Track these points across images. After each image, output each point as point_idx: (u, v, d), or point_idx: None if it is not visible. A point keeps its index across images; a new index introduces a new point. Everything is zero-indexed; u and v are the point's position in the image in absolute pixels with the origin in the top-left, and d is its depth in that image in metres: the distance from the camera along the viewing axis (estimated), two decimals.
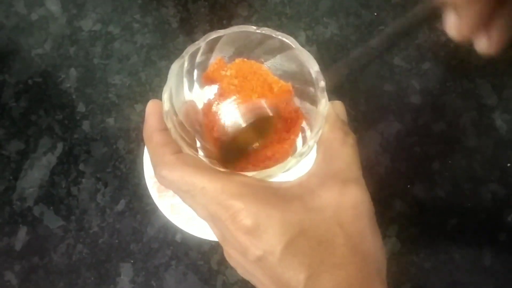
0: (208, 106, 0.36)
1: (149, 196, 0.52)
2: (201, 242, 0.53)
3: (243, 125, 0.34)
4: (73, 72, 0.60)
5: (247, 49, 0.35)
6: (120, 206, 0.55)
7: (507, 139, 0.57)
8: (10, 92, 0.59)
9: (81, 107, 0.58)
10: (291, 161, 0.31)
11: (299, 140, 0.34)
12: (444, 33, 0.33)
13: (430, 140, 0.57)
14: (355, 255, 0.27)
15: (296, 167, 0.31)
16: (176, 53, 0.60)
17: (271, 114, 0.34)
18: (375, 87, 0.59)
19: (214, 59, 0.35)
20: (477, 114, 0.58)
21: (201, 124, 0.35)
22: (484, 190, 0.55)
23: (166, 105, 0.31)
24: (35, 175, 0.56)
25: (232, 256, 0.29)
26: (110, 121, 0.58)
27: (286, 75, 0.35)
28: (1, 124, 0.58)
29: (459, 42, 0.30)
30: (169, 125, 0.31)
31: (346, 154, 0.30)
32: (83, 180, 0.56)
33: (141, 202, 0.55)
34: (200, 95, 0.35)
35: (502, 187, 0.55)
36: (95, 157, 0.57)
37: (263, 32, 0.33)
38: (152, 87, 0.59)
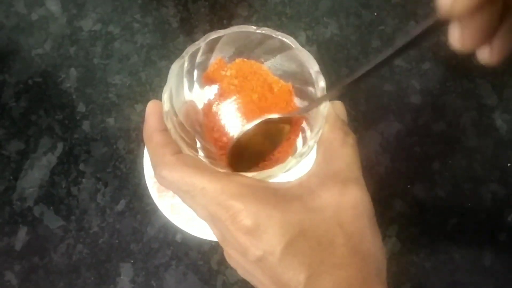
0: (208, 106, 0.36)
1: (149, 196, 0.52)
2: (201, 242, 0.53)
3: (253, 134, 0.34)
4: (73, 72, 0.60)
5: (247, 49, 0.35)
6: (120, 206, 0.55)
7: (507, 139, 0.57)
8: (10, 92, 0.59)
9: (81, 107, 0.58)
10: (291, 161, 0.31)
11: (299, 141, 0.34)
12: (444, 34, 0.33)
13: (430, 140, 0.57)
14: (355, 255, 0.27)
15: (296, 167, 0.31)
16: (176, 53, 0.60)
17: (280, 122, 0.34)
18: (375, 87, 0.59)
19: (214, 59, 0.35)
20: (477, 114, 0.58)
21: (201, 124, 0.35)
22: (484, 190, 0.55)
23: (166, 106, 0.31)
24: (35, 175, 0.56)
25: (232, 257, 0.29)
26: (110, 121, 0.58)
27: (286, 75, 0.35)
28: (1, 124, 0.58)
29: (463, 53, 0.31)
30: (169, 125, 0.31)
31: (346, 154, 0.30)
32: (83, 180, 0.56)
33: (141, 202, 0.55)
34: (200, 95, 0.35)
35: (502, 187, 0.55)
36: (95, 157, 0.57)
37: (263, 32, 0.33)
38: (152, 87, 0.59)
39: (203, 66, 0.35)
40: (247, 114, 0.35)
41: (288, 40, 0.33)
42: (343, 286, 0.26)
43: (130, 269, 0.53)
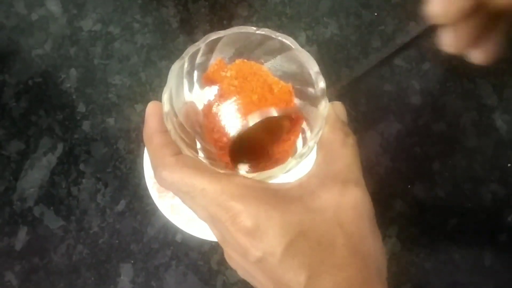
0: (208, 107, 0.36)
1: (149, 197, 0.52)
2: (201, 243, 0.53)
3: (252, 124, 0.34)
4: (73, 72, 0.60)
5: (247, 50, 0.35)
6: (120, 206, 0.55)
7: (507, 140, 0.57)
8: (10, 92, 0.59)
9: (81, 108, 0.58)
10: (291, 162, 0.31)
11: (299, 141, 0.34)
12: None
13: (430, 140, 0.57)
14: (355, 256, 0.27)
15: (296, 168, 0.31)
16: (176, 53, 0.60)
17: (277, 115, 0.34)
18: (375, 87, 0.59)
19: (214, 60, 0.35)
20: (477, 115, 0.58)
21: (201, 125, 0.35)
22: (484, 191, 0.55)
23: (166, 107, 0.31)
24: (35, 175, 0.56)
25: (233, 258, 0.29)
26: (111, 121, 0.58)
27: (286, 76, 0.35)
28: (1, 125, 0.58)
29: (454, 55, 0.32)
30: (169, 126, 0.31)
31: (346, 155, 0.30)
32: (83, 180, 0.56)
33: (141, 203, 0.55)
34: (200, 96, 0.35)
35: (502, 187, 0.55)
36: (95, 157, 0.57)
37: (263, 33, 0.33)
38: (152, 87, 0.59)
39: (203, 67, 0.35)
40: (247, 115, 0.35)
41: (288, 41, 0.33)
42: (344, 286, 0.26)
43: (130, 270, 0.53)
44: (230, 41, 0.34)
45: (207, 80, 0.35)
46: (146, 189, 0.52)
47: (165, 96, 0.31)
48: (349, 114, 0.34)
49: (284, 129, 0.35)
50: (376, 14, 0.61)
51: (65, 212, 0.55)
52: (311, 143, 0.31)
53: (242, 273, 0.30)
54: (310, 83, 0.33)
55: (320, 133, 0.31)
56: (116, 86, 0.59)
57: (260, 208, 0.27)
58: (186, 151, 0.31)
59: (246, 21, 0.61)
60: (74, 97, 0.59)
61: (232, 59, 0.35)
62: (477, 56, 0.31)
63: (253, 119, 0.33)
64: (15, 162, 0.57)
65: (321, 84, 0.32)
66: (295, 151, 0.33)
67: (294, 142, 0.34)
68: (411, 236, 0.54)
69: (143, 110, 0.32)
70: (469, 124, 0.57)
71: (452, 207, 0.55)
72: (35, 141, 0.57)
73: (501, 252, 0.54)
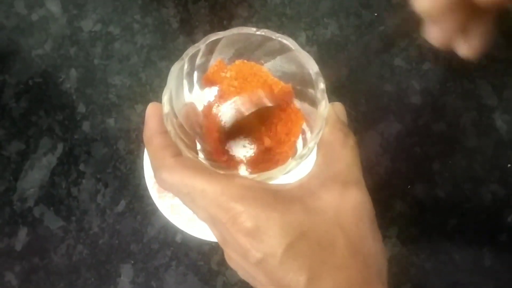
0: (208, 108, 0.36)
1: (149, 197, 0.52)
2: (201, 243, 0.53)
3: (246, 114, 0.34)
4: (73, 72, 0.60)
5: (247, 50, 0.35)
6: (120, 206, 0.55)
7: (507, 140, 0.57)
8: (10, 92, 0.59)
9: (81, 108, 0.58)
10: (291, 163, 0.31)
11: (299, 142, 0.34)
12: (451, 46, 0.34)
13: (430, 140, 0.57)
14: (356, 257, 0.27)
15: (296, 169, 0.31)
16: (176, 54, 0.60)
17: (270, 104, 0.34)
18: (375, 87, 0.59)
19: (214, 61, 0.35)
20: (477, 115, 0.58)
21: (201, 126, 0.35)
22: (484, 191, 0.55)
23: (166, 108, 0.31)
24: (35, 175, 0.56)
25: (233, 258, 0.29)
26: (111, 121, 0.58)
27: (286, 77, 0.35)
28: (1, 125, 0.58)
29: (440, 48, 0.32)
30: (169, 127, 0.31)
31: (347, 156, 0.30)
32: (83, 180, 0.56)
33: (141, 203, 0.55)
34: (200, 97, 0.35)
35: (502, 187, 0.55)
36: (95, 157, 0.57)
37: (263, 34, 0.33)
38: (152, 88, 0.59)
39: (203, 68, 0.35)
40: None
41: (288, 41, 0.33)
42: (344, 287, 0.26)
43: (130, 270, 0.53)
44: (230, 42, 0.34)
45: (207, 81, 0.35)
46: (146, 189, 0.52)
47: (165, 97, 0.31)
48: (349, 114, 0.34)
49: (275, 116, 0.35)
50: (376, 14, 0.61)
51: (65, 213, 0.55)
52: (311, 144, 0.31)
53: (242, 274, 0.30)
54: (310, 83, 0.33)
55: (321, 134, 0.31)
56: (116, 86, 0.59)
57: (260, 209, 0.27)
58: (186, 152, 0.31)
59: (246, 22, 0.61)
60: (74, 97, 0.59)
61: (232, 60, 0.35)
62: (464, 49, 0.31)
63: (243, 104, 0.33)
64: (15, 163, 0.57)
65: (321, 85, 0.32)
66: (295, 152, 0.34)
67: (294, 143, 0.34)
68: (411, 236, 0.54)
69: (143, 111, 0.32)
70: (469, 124, 0.57)
71: (452, 207, 0.55)
72: (35, 141, 0.57)
73: (501, 252, 0.54)
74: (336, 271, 0.26)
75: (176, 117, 0.32)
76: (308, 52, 0.33)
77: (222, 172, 0.30)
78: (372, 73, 0.59)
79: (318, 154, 0.32)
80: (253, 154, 0.35)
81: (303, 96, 0.35)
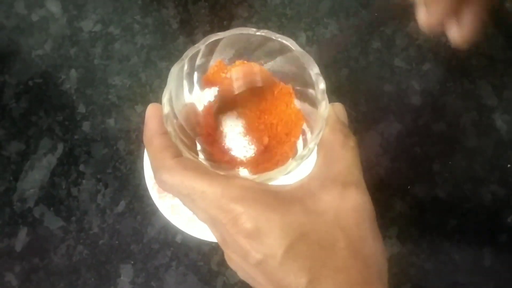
0: (208, 108, 0.36)
1: (149, 197, 0.52)
2: (201, 243, 0.53)
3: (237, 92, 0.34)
4: (73, 73, 0.60)
5: (247, 51, 0.35)
6: (121, 207, 0.55)
7: (507, 140, 0.57)
8: (10, 93, 0.59)
9: (81, 108, 0.58)
10: (291, 164, 0.31)
11: (299, 143, 0.34)
12: (444, 34, 0.34)
13: (430, 140, 0.57)
14: (356, 258, 0.27)
15: (296, 170, 0.31)
16: (176, 54, 0.60)
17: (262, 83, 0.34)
18: (375, 87, 0.59)
19: (214, 61, 0.35)
20: (477, 115, 0.58)
21: (201, 127, 0.35)
22: (484, 191, 0.55)
23: (165, 108, 0.31)
24: (35, 176, 0.56)
25: (233, 259, 0.29)
26: (111, 122, 0.58)
27: (286, 77, 0.35)
28: (1, 125, 0.58)
29: (432, 33, 0.32)
30: (169, 128, 0.31)
31: (347, 157, 0.30)
32: (84, 181, 0.56)
33: (141, 203, 0.55)
34: (200, 97, 0.36)
35: (502, 188, 0.55)
36: (95, 158, 0.57)
37: (263, 34, 0.33)
38: (152, 88, 0.59)
39: (203, 69, 0.35)
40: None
41: (288, 42, 0.33)
42: None
43: (130, 270, 0.53)
44: (230, 42, 0.34)
45: (207, 82, 0.35)
46: (146, 189, 0.52)
47: (165, 98, 0.31)
48: (349, 114, 0.34)
49: (267, 94, 0.35)
50: (376, 14, 0.61)
51: (65, 213, 0.55)
52: (311, 144, 0.31)
53: (242, 275, 0.30)
54: (310, 84, 0.33)
55: (321, 134, 0.31)
56: (116, 86, 0.59)
57: (261, 210, 0.27)
58: (186, 153, 0.31)
59: (246, 22, 0.61)
60: (74, 97, 0.59)
61: (232, 60, 0.35)
62: (455, 34, 0.32)
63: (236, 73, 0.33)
64: (15, 163, 0.57)
65: (321, 85, 0.32)
66: (296, 153, 0.33)
67: (295, 144, 0.34)
68: (411, 237, 0.54)
69: (143, 111, 0.32)
70: (469, 124, 0.57)
71: (452, 207, 0.55)
72: (35, 141, 0.57)
73: (501, 252, 0.54)
74: (336, 272, 0.26)
75: (176, 117, 0.32)
76: (308, 52, 0.33)
77: (222, 173, 0.29)
78: (372, 73, 0.59)
79: (318, 155, 0.31)
80: (253, 155, 0.35)
81: (303, 96, 0.35)
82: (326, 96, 0.32)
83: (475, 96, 0.58)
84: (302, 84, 0.34)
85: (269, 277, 0.27)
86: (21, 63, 0.60)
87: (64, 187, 0.56)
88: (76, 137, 0.57)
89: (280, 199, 0.28)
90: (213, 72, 0.35)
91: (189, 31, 0.61)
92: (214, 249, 0.53)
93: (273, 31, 0.33)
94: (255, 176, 0.31)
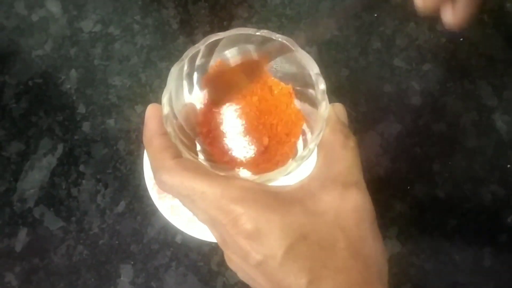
0: (208, 108, 0.36)
1: (149, 197, 0.52)
2: (201, 244, 0.53)
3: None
4: (73, 73, 0.60)
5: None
6: (120, 207, 0.55)
7: (507, 140, 0.57)
8: (10, 93, 0.59)
9: (81, 108, 0.58)
10: (292, 164, 0.30)
11: (299, 143, 0.34)
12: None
13: (430, 141, 0.57)
14: (357, 259, 0.27)
15: (297, 171, 0.31)
16: (176, 55, 0.60)
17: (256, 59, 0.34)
18: (375, 88, 0.59)
19: (214, 61, 0.35)
20: (477, 115, 0.58)
21: (201, 127, 0.35)
22: (484, 191, 0.55)
23: (165, 109, 0.31)
24: (35, 176, 0.56)
25: (233, 260, 0.29)
26: (111, 122, 0.58)
27: (286, 77, 0.35)
28: (1, 125, 0.58)
29: (427, 15, 0.32)
30: (169, 129, 0.31)
31: (347, 157, 0.30)
32: (83, 181, 0.56)
33: (141, 203, 0.55)
34: (200, 97, 0.35)
35: (502, 188, 0.55)
36: (95, 158, 0.57)
37: (263, 34, 0.33)
38: (152, 88, 0.59)
39: (203, 69, 0.35)
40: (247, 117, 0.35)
41: (288, 42, 0.33)
42: None
43: (130, 270, 0.53)
44: (230, 42, 0.34)
45: (207, 82, 0.35)
46: (146, 190, 0.52)
47: (164, 98, 0.31)
48: (349, 114, 0.34)
49: (262, 72, 0.35)
50: (376, 15, 0.61)
51: (65, 213, 0.55)
52: (311, 145, 0.31)
53: (242, 276, 0.30)
54: (311, 84, 0.33)
55: (321, 135, 0.31)
56: (116, 87, 0.59)
57: (261, 211, 0.27)
58: (186, 153, 0.31)
59: (246, 22, 0.61)
60: (74, 98, 0.59)
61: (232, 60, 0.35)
62: (449, 17, 0.31)
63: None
64: (15, 163, 0.57)
65: (322, 85, 0.32)
66: (296, 154, 0.33)
67: (295, 144, 0.34)
68: (411, 237, 0.54)
69: (143, 111, 0.32)
70: (469, 124, 0.57)
71: (452, 207, 0.55)
72: (35, 142, 0.57)
73: (501, 252, 0.54)
74: (336, 273, 0.26)
75: (176, 118, 0.32)
76: (308, 52, 0.33)
77: (222, 173, 0.29)
78: (372, 74, 0.59)
79: (318, 155, 0.31)
80: (253, 155, 0.35)
81: (303, 96, 0.35)
82: (326, 96, 0.32)
83: (475, 97, 0.58)
84: (302, 84, 0.34)
85: (269, 278, 0.27)
86: (21, 64, 0.60)
87: (64, 187, 0.56)
88: (76, 137, 0.57)
89: (280, 200, 0.28)
90: (213, 72, 0.35)
91: (189, 31, 0.61)
92: (214, 249, 0.53)
93: (273, 31, 0.33)
94: (255, 177, 0.31)
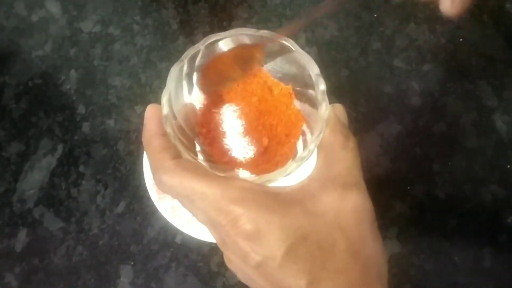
0: (208, 108, 0.36)
1: (149, 198, 0.52)
2: (201, 244, 0.53)
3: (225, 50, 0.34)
4: (73, 73, 0.60)
5: None
6: (120, 207, 0.55)
7: (507, 141, 0.57)
8: (10, 93, 0.59)
9: (81, 109, 0.58)
10: (291, 165, 0.30)
11: (299, 144, 0.34)
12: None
13: (430, 141, 0.57)
14: (356, 260, 0.27)
15: (296, 171, 0.31)
16: (176, 55, 0.60)
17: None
18: (375, 88, 0.59)
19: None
20: (477, 115, 0.58)
21: (201, 127, 0.35)
22: (484, 191, 0.55)
23: (165, 109, 0.31)
24: (35, 177, 0.56)
25: (232, 261, 0.29)
26: (110, 122, 0.58)
27: (286, 78, 0.35)
28: (1, 126, 0.58)
29: (426, 2, 0.32)
30: (168, 129, 0.31)
31: (347, 158, 0.30)
32: (83, 182, 0.56)
33: (141, 204, 0.55)
34: (199, 98, 0.35)
35: (502, 188, 0.55)
36: (95, 158, 0.57)
37: (263, 34, 0.33)
38: (152, 89, 0.59)
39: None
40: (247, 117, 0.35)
41: (288, 43, 0.33)
42: None
43: (130, 271, 0.53)
44: (230, 43, 0.34)
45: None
46: (146, 190, 0.52)
47: (164, 99, 0.31)
48: (349, 115, 0.34)
49: (255, 60, 0.35)
50: (376, 15, 0.61)
51: (65, 214, 0.55)
52: (311, 146, 0.31)
53: (241, 277, 0.30)
54: (311, 85, 0.32)
55: (321, 136, 0.31)
56: (116, 87, 0.59)
57: (260, 211, 0.27)
58: (186, 154, 0.31)
59: (246, 23, 0.61)
60: (74, 98, 0.59)
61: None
62: (447, 4, 0.31)
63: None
64: (15, 164, 0.57)
65: (322, 86, 0.32)
66: (296, 154, 0.33)
67: (294, 145, 0.34)
68: (411, 237, 0.54)
69: (143, 112, 0.32)
70: (469, 125, 0.57)
71: (452, 208, 0.55)
72: (35, 142, 0.57)
73: (501, 253, 0.54)
74: (336, 274, 0.26)
75: (175, 118, 0.32)
76: (307, 53, 0.33)
77: (221, 174, 0.29)
78: (372, 74, 0.59)
79: (318, 156, 0.31)
80: (252, 156, 0.35)
81: (303, 97, 0.34)
82: (326, 97, 0.32)
83: (475, 97, 0.58)
84: (302, 85, 0.34)
85: (269, 279, 0.27)
86: (21, 64, 0.60)
87: (63, 188, 0.56)
88: (76, 137, 0.57)
89: (280, 201, 0.28)
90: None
91: (189, 31, 0.61)
92: (214, 250, 0.53)
93: (273, 32, 0.33)
94: (254, 178, 0.30)
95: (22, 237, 0.54)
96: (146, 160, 0.52)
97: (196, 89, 0.35)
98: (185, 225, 0.50)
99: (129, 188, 0.55)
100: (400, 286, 0.53)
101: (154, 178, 0.30)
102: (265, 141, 0.35)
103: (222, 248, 0.29)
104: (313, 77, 0.32)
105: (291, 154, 0.34)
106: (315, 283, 0.26)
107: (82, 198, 0.55)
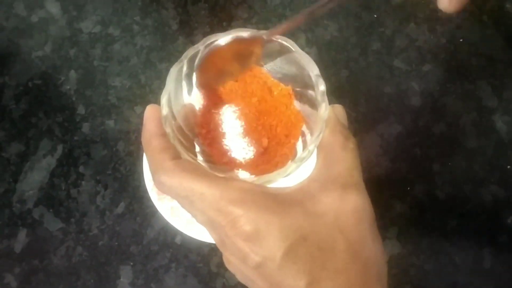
0: (207, 108, 0.36)
1: (149, 199, 0.52)
2: (200, 245, 0.53)
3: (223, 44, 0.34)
4: (73, 74, 0.60)
5: None
6: (120, 208, 0.55)
7: (507, 141, 0.57)
8: (10, 94, 0.59)
9: (81, 109, 0.58)
10: (291, 166, 0.30)
11: (299, 145, 0.34)
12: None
13: (430, 141, 0.57)
14: (356, 261, 0.27)
15: (296, 172, 0.31)
16: (176, 55, 0.60)
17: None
18: (375, 88, 0.59)
19: None
20: (477, 116, 0.58)
21: (200, 127, 0.35)
22: (484, 192, 0.55)
23: (164, 110, 0.31)
24: (35, 177, 0.56)
25: (232, 262, 0.29)
26: (110, 123, 0.58)
27: (286, 78, 0.35)
28: (1, 126, 0.58)
29: (425, 1, 0.32)
30: (168, 130, 0.31)
31: (347, 159, 0.30)
32: (83, 182, 0.56)
33: (141, 205, 0.55)
34: (199, 98, 0.35)
35: (502, 188, 0.55)
36: (95, 159, 0.57)
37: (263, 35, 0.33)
38: (152, 89, 0.59)
39: None
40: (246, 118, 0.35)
41: (288, 43, 0.33)
42: None
43: (129, 272, 0.53)
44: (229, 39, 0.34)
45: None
46: (145, 191, 0.52)
47: (163, 99, 0.31)
48: (349, 115, 0.34)
49: (253, 56, 0.35)
50: (376, 16, 0.61)
51: (65, 214, 0.55)
52: (311, 146, 0.31)
53: (241, 278, 0.30)
54: (310, 85, 0.32)
55: (321, 136, 0.31)
56: (115, 88, 0.59)
57: (260, 212, 0.27)
58: (185, 154, 0.31)
59: (246, 23, 0.61)
60: (73, 99, 0.59)
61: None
62: (445, 2, 0.31)
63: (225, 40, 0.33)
64: (14, 164, 0.57)
65: (321, 87, 0.32)
66: (295, 155, 0.33)
67: (294, 145, 0.34)
68: (411, 237, 0.54)
69: (143, 112, 0.32)
70: (469, 125, 0.57)
71: (452, 208, 0.55)
72: (35, 143, 0.57)
73: (501, 253, 0.54)
74: (335, 275, 0.26)
75: (175, 119, 0.32)
76: (307, 53, 0.33)
77: (221, 174, 0.29)
78: (371, 75, 0.59)
79: (318, 157, 0.31)
80: (252, 156, 0.35)
81: (303, 98, 0.34)
82: (326, 97, 0.31)
83: (475, 97, 0.58)
84: (302, 85, 0.34)
85: (268, 280, 0.27)
86: (21, 64, 0.60)
87: (63, 188, 0.56)
88: (75, 138, 0.57)
89: (279, 202, 0.28)
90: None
91: (189, 32, 0.61)
92: (214, 250, 0.53)
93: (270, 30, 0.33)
94: (254, 178, 0.30)
95: (22, 237, 0.54)
96: (146, 161, 0.52)
97: (195, 89, 0.35)
98: (185, 225, 0.50)
99: (129, 188, 0.55)
100: (400, 286, 0.53)
101: (154, 179, 0.30)
102: (265, 141, 0.35)
103: (221, 249, 0.29)
104: (313, 78, 0.32)
105: (291, 154, 0.34)
106: (314, 284, 0.26)
107: (82, 199, 0.55)
